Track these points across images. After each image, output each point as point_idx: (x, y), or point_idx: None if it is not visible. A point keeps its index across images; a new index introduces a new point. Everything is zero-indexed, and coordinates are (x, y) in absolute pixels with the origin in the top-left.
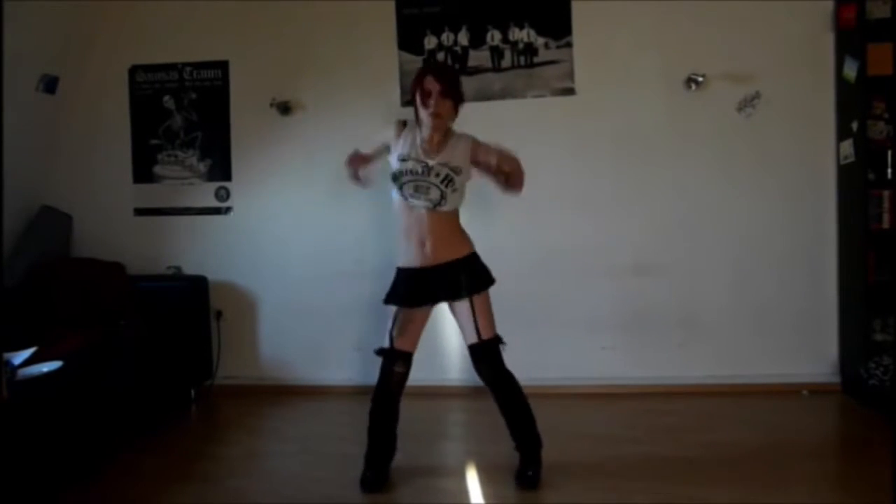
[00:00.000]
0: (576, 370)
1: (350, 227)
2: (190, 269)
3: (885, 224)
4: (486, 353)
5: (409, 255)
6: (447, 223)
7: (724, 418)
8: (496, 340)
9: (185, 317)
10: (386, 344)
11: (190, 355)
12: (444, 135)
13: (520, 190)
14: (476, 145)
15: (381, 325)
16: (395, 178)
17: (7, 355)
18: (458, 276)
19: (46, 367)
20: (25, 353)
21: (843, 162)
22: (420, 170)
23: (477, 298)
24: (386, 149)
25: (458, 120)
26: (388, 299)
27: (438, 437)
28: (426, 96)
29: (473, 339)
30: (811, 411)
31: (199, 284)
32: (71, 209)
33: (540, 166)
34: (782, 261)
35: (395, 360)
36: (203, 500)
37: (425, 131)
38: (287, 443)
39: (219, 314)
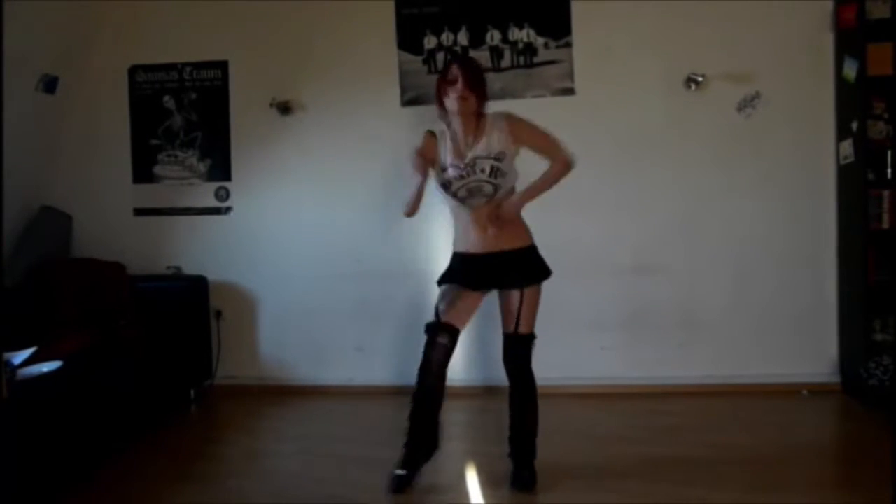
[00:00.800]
0: (576, 370)
1: (350, 227)
2: (190, 269)
3: (885, 224)
4: (518, 345)
5: (468, 242)
6: None
7: (724, 418)
8: (531, 337)
9: (185, 317)
10: (433, 319)
11: (190, 355)
12: (477, 123)
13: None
14: (513, 124)
15: (382, 325)
16: (445, 188)
17: (7, 355)
18: (515, 265)
19: (46, 367)
20: (25, 353)
21: (842, 162)
22: (464, 173)
23: (528, 291)
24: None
25: None
26: (443, 279)
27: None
28: (452, 82)
29: (510, 329)
30: (811, 411)
31: (199, 284)
32: (71, 209)
33: (539, 166)
34: (782, 261)
35: (440, 332)
36: (203, 500)
37: (456, 124)
38: (287, 443)
39: (219, 314)
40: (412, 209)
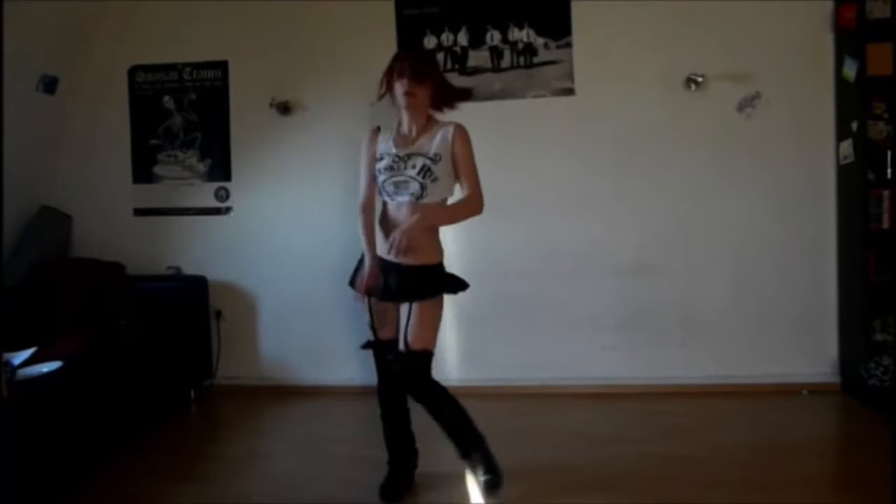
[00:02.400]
0: (576, 370)
1: (350, 226)
2: (190, 269)
3: (885, 224)
4: (408, 363)
5: (382, 245)
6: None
7: (724, 418)
8: (423, 355)
9: (185, 317)
10: (371, 337)
11: (190, 355)
12: (424, 123)
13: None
14: (459, 136)
15: None
16: (375, 178)
17: (7, 355)
18: (412, 278)
19: (46, 367)
20: (25, 353)
21: (842, 162)
22: (394, 164)
23: (419, 305)
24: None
25: (460, 118)
26: (353, 283)
27: (439, 437)
28: (399, 76)
29: (402, 345)
30: (811, 411)
31: (198, 284)
32: (71, 209)
33: (539, 166)
34: (782, 261)
35: (384, 350)
36: (203, 500)
37: (404, 118)
38: (287, 443)
39: (219, 314)
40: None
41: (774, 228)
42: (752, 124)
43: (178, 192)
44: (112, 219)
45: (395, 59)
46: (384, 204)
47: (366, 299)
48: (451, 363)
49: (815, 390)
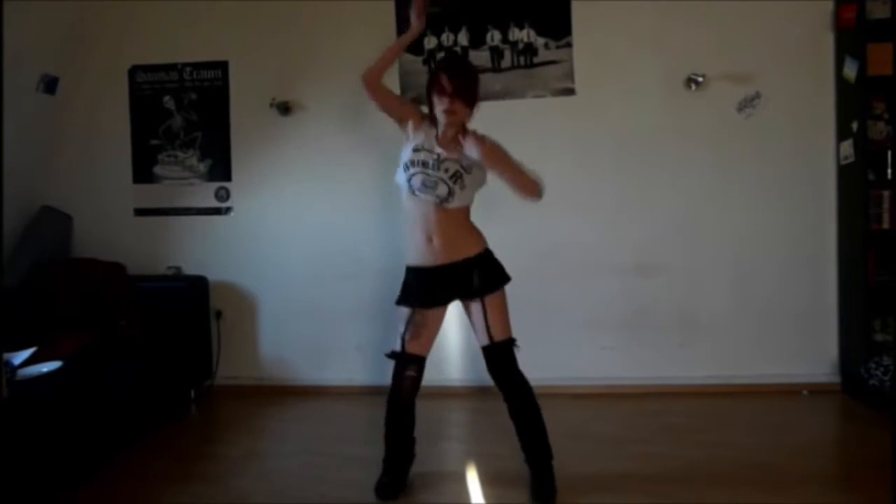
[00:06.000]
0: (576, 370)
1: (350, 226)
2: (190, 269)
3: (885, 224)
4: (498, 355)
5: (417, 253)
6: (455, 220)
7: (724, 418)
8: (510, 343)
9: (185, 317)
10: (397, 347)
11: (190, 355)
12: (459, 132)
13: (533, 198)
14: (489, 151)
15: (381, 325)
16: (406, 167)
17: (7, 355)
18: (469, 275)
19: (46, 367)
20: (25, 353)
21: (843, 162)
22: (430, 162)
23: (489, 299)
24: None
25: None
26: (400, 300)
27: (439, 437)
28: (440, 94)
29: (485, 340)
30: (811, 411)
31: (199, 284)
32: (71, 209)
33: (539, 166)
34: (782, 261)
35: (407, 365)
36: (203, 500)
37: (440, 128)
38: (287, 443)
39: (219, 314)
40: (377, 68)
41: (774, 228)
42: (752, 124)
43: (178, 192)
44: (112, 219)
45: (436, 73)
46: (409, 207)
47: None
48: (452, 363)
49: (815, 390)
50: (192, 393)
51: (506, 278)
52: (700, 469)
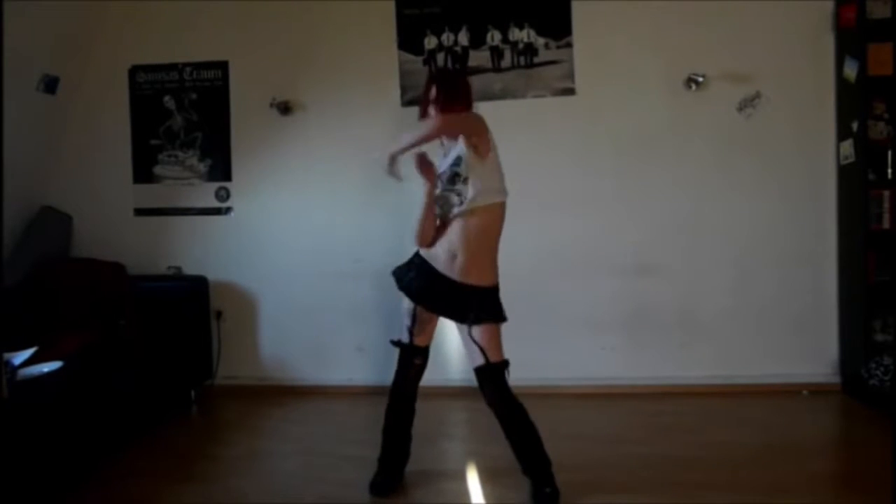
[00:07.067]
0: (576, 370)
1: (350, 226)
2: (190, 269)
3: (885, 224)
4: (490, 376)
5: (437, 259)
6: (481, 240)
7: (724, 418)
8: (503, 365)
9: (185, 317)
10: (405, 339)
11: (190, 355)
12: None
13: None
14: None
15: (382, 325)
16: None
17: (7, 355)
18: (468, 303)
19: (46, 367)
20: (25, 353)
21: (843, 162)
22: (439, 185)
23: (483, 327)
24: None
25: None
26: (401, 284)
27: (439, 437)
28: (428, 104)
29: (480, 361)
30: (811, 411)
31: (199, 284)
32: (71, 209)
33: (540, 166)
34: (782, 261)
35: (415, 354)
36: (203, 500)
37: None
38: (287, 443)
39: (219, 314)
40: (425, 234)
41: (775, 228)
42: (752, 124)
43: (178, 192)
44: (112, 219)
45: (429, 83)
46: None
47: (412, 305)
48: (452, 363)
49: (816, 390)
50: (193, 393)
51: (502, 318)
52: (700, 469)
